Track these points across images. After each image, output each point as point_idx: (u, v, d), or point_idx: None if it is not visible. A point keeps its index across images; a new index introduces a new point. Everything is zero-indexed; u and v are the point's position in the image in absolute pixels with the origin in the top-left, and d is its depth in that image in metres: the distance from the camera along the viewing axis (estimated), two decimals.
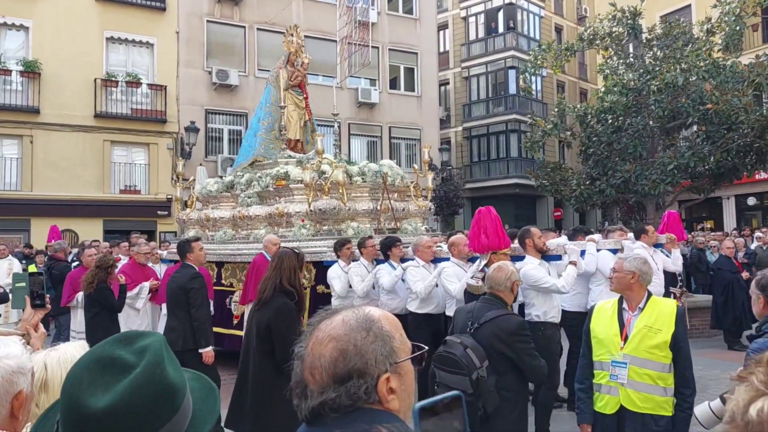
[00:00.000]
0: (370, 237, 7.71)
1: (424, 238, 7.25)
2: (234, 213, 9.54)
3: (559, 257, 6.00)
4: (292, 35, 10.59)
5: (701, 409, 3.15)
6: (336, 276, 7.13)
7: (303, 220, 8.47)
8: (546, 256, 5.90)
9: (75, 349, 1.95)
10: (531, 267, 5.54)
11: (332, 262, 7.47)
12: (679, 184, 16.38)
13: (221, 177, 14.40)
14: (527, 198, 27.56)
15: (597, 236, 6.93)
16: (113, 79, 19.00)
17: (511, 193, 26.96)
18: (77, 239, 16.38)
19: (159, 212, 19.42)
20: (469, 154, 28.72)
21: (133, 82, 19.30)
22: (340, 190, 8.66)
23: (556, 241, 6.34)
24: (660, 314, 3.58)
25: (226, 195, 10.09)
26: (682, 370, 3.53)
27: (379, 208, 9.09)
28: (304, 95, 10.73)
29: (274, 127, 10.41)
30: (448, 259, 6.50)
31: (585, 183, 17.56)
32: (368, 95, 23.46)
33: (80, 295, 7.81)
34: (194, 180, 11.78)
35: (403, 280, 6.68)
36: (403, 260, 6.91)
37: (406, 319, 6.49)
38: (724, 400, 3.32)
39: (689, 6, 22.58)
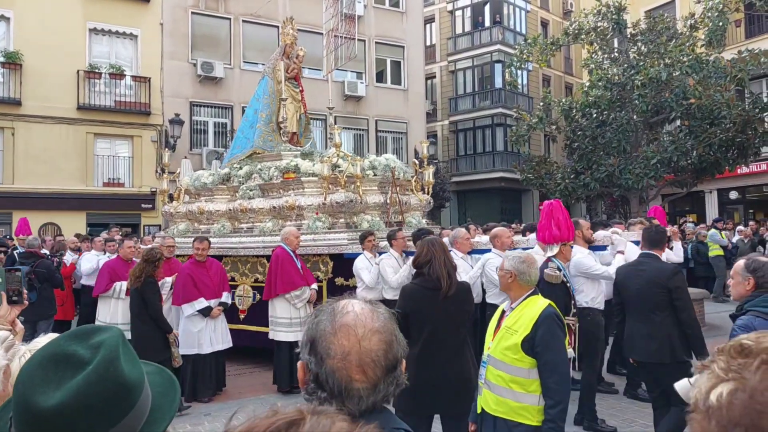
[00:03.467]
0: (400, 229, 7.83)
1: (462, 230, 7.44)
2: (234, 205, 9.39)
3: (604, 248, 6.39)
4: (288, 28, 10.55)
5: (682, 385, 3.21)
6: (364, 267, 7.30)
7: (317, 213, 8.45)
8: (591, 246, 6.21)
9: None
10: (582, 256, 5.79)
11: (353, 255, 7.61)
12: (662, 178, 16.57)
13: (205, 169, 14.32)
14: (513, 191, 27.69)
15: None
16: (96, 70, 18.81)
17: (496, 186, 27.08)
18: (60, 233, 16.22)
19: (143, 205, 19.29)
20: (455, 147, 28.80)
21: (117, 74, 19.11)
22: (357, 183, 8.66)
23: (602, 233, 6.66)
24: (522, 316, 3.45)
25: (222, 187, 9.92)
26: (543, 378, 3.32)
27: (388, 201, 9.15)
28: (300, 88, 10.74)
29: (272, 119, 10.34)
30: (485, 251, 6.84)
31: (570, 177, 17.70)
32: (355, 88, 23.42)
33: (119, 285, 7.69)
34: (179, 172, 11.69)
35: None
36: None
37: None
38: None
39: (673, 1, 22.71)
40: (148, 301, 6.59)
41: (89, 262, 10.04)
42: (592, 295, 5.83)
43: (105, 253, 10.18)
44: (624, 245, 6.31)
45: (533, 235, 6.89)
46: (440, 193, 24.80)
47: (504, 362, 3.40)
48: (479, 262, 6.71)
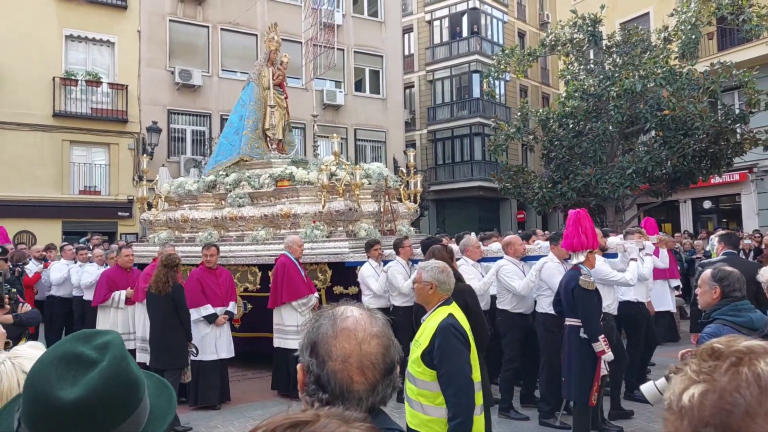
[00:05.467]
0: (406, 237, 7.97)
1: (473, 238, 7.59)
2: (222, 213, 9.26)
3: (615, 255, 6.66)
4: (272, 34, 10.52)
5: (647, 387, 3.40)
6: (371, 275, 7.40)
7: (314, 221, 8.43)
8: (604, 254, 6.50)
9: (34, 350, 1.92)
10: (599, 263, 6.00)
11: (355, 263, 7.73)
12: (637, 188, 16.80)
13: (183, 177, 14.19)
14: (491, 200, 27.88)
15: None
16: (73, 77, 18.58)
17: (474, 195, 27.25)
18: (34, 241, 15.95)
19: (120, 213, 19.05)
20: (433, 156, 28.94)
21: (93, 81, 18.90)
22: (356, 192, 8.68)
23: (615, 241, 6.94)
24: (427, 328, 3.42)
25: (207, 195, 9.78)
26: (442, 390, 3.28)
27: (382, 210, 9.18)
28: (285, 95, 10.71)
29: (258, 126, 10.26)
30: (493, 259, 7.10)
31: (547, 186, 17.87)
32: (333, 97, 23.44)
33: (117, 294, 7.57)
34: (157, 180, 11.57)
35: None
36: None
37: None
38: (669, 379, 3.56)
39: (648, 14, 23.15)
40: (180, 305, 6.54)
41: (59, 272, 9.83)
42: (608, 302, 6.03)
43: (75, 262, 10.00)
44: (636, 252, 6.60)
45: (545, 243, 7.17)
46: (419, 201, 24.89)
47: (413, 375, 3.40)
48: (492, 269, 6.86)
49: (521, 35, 31.23)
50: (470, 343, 3.43)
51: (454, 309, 3.50)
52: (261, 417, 6.70)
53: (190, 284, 7.15)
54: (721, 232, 7.25)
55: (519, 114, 19.46)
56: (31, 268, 10.05)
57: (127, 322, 7.67)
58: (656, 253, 7.86)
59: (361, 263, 7.65)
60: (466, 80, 28.25)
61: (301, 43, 19.92)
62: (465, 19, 28.49)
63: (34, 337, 8.90)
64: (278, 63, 10.49)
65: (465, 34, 28.39)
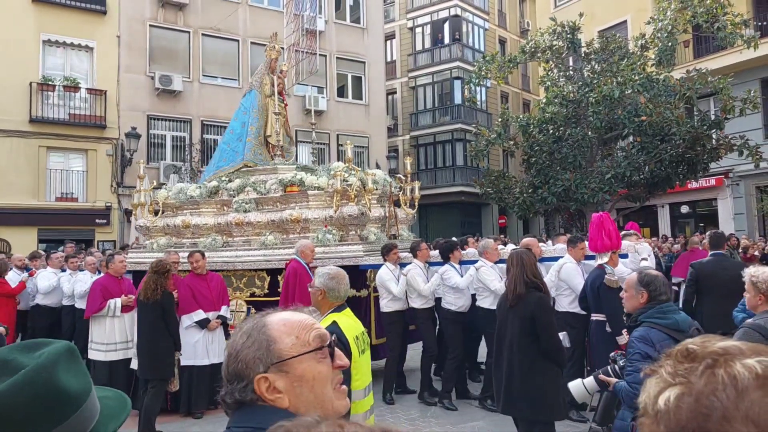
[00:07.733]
0: (422, 241, 8.14)
1: (490, 241, 7.75)
2: (228, 219, 9.17)
3: (626, 255, 6.85)
4: (273, 43, 10.60)
5: (575, 385, 3.44)
6: (390, 279, 7.53)
7: (326, 226, 8.45)
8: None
9: None
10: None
11: (368, 267, 7.87)
12: (616, 193, 16.95)
13: (163, 184, 14.08)
14: (472, 205, 27.97)
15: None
16: (50, 83, 18.37)
17: (456, 200, 27.31)
18: (9, 249, 15.70)
19: (97, 221, 18.81)
20: (416, 162, 28.96)
21: (71, 87, 18.70)
22: (368, 197, 8.72)
23: (625, 242, 7.08)
24: None
25: (209, 200, 9.69)
26: None
27: (387, 215, 9.27)
28: (284, 102, 10.75)
29: (260, 133, 10.30)
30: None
31: (527, 191, 17.99)
32: (316, 103, 23.40)
33: (113, 302, 7.30)
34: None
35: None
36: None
37: (475, 314, 7.17)
38: (597, 379, 3.72)
39: (625, 22, 23.42)
40: (169, 313, 6.42)
41: (47, 280, 9.53)
42: None
43: (64, 270, 9.83)
44: (647, 253, 6.81)
45: (560, 245, 7.36)
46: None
47: None
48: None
49: (502, 42, 31.44)
50: (353, 352, 3.23)
51: (343, 317, 3.38)
52: None
53: (181, 291, 7.09)
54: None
55: (500, 120, 19.57)
56: (12, 277, 9.53)
57: (124, 330, 7.36)
58: None
59: (374, 266, 7.79)
60: (448, 87, 28.37)
61: (283, 48, 19.91)
62: (447, 26, 28.62)
63: None
64: (278, 71, 10.57)
65: (447, 41, 28.51)
